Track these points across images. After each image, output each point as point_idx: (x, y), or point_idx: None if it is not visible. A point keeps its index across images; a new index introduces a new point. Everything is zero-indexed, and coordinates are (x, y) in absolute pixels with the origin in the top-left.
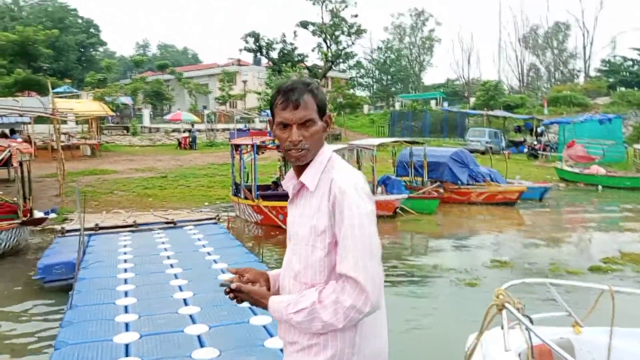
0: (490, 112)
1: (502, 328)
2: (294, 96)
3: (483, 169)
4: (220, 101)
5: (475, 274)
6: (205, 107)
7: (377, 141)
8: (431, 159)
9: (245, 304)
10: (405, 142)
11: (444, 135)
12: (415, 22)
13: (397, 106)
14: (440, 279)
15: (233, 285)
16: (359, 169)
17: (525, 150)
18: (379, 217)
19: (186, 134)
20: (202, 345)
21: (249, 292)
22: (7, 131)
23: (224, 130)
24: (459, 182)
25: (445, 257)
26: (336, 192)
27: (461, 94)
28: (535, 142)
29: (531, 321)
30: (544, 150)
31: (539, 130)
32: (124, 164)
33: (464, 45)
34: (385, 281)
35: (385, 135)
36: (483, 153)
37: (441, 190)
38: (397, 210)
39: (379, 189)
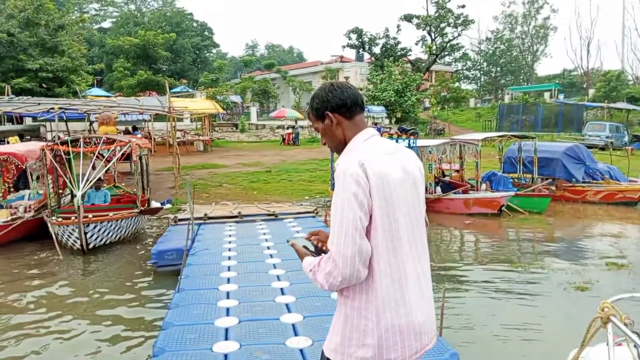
0: (612, 105)
1: (607, 344)
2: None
3: (601, 166)
4: None
5: (588, 276)
6: (307, 104)
7: (481, 135)
8: (542, 154)
9: None
10: (513, 136)
11: (558, 130)
12: (529, 10)
13: (507, 99)
14: (547, 280)
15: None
16: (462, 164)
17: None
18: (482, 214)
19: (290, 130)
20: (296, 334)
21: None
22: (130, 128)
23: None
24: (574, 179)
25: (555, 258)
26: (335, 175)
27: (579, 85)
28: None
29: None
30: None
31: None
32: (233, 159)
33: (582, 32)
34: (486, 281)
35: (492, 129)
36: (602, 149)
37: (553, 188)
38: (503, 208)
39: (484, 185)
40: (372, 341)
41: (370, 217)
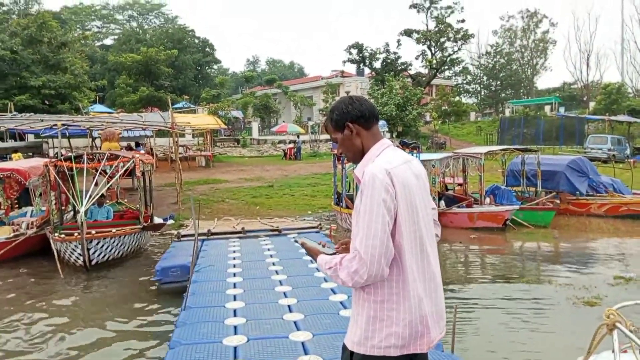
0: (613, 117)
1: (613, 351)
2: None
3: (605, 179)
4: (324, 112)
5: (596, 292)
6: (309, 119)
7: (484, 149)
8: (545, 167)
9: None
10: (516, 149)
11: (560, 143)
12: (528, 24)
13: (507, 112)
14: (555, 295)
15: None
16: (465, 178)
17: None
18: (486, 229)
19: (291, 145)
20: (306, 353)
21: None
22: (132, 144)
23: (327, 140)
24: (578, 192)
25: (562, 273)
26: (363, 182)
27: (579, 98)
28: None
29: None
30: None
31: None
32: (235, 174)
33: (582, 46)
34: (491, 294)
35: (494, 143)
36: (605, 162)
37: (557, 201)
38: (508, 222)
39: (487, 199)
40: (397, 331)
41: (395, 220)
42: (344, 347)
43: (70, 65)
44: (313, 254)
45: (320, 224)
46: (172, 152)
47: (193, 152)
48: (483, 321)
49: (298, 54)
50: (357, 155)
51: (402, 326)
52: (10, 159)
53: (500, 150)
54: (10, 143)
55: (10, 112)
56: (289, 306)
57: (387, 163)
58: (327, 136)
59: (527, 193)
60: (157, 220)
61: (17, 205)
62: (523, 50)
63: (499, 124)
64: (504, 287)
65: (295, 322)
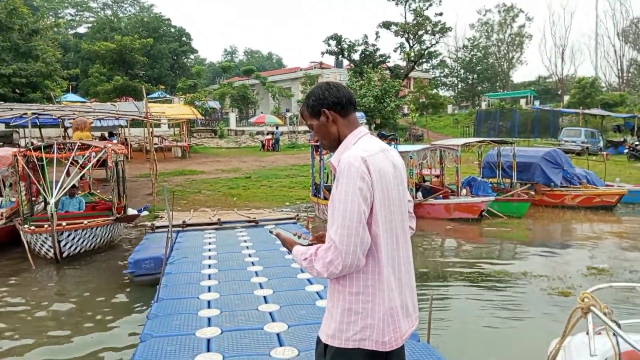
0: (587, 111)
1: (587, 333)
2: (301, 112)
3: (579, 171)
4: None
5: (570, 282)
6: (288, 110)
7: (461, 141)
8: (521, 159)
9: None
10: (493, 141)
11: (535, 136)
12: (504, 18)
13: (484, 105)
14: (529, 286)
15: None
16: (442, 169)
17: (626, 151)
18: (462, 219)
19: (269, 136)
20: (281, 344)
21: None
22: (106, 134)
23: (305, 132)
24: (552, 183)
25: (536, 264)
26: (338, 170)
27: (554, 92)
28: (637, 142)
29: (619, 327)
30: None
31: None
32: (211, 165)
33: (557, 40)
34: (467, 285)
35: (470, 135)
36: (579, 154)
37: (532, 193)
38: (484, 213)
39: (464, 190)
40: (372, 323)
41: (371, 209)
42: (318, 340)
43: (42, 54)
44: (288, 245)
45: (297, 215)
46: (147, 143)
47: (169, 143)
48: (458, 312)
49: (276, 45)
50: (333, 143)
51: (377, 319)
52: None
53: (477, 142)
54: None
55: None
56: (264, 297)
57: (363, 151)
58: (306, 128)
59: (502, 184)
60: (131, 211)
61: None
62: (499, 44)
63: (475, 116)
64: (479, 277)
65: (270, 313)
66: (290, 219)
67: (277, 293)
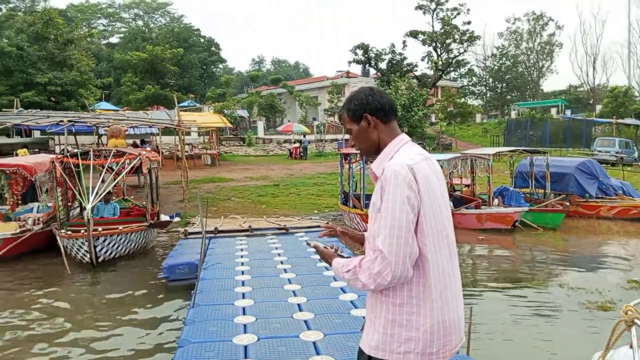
0: (621, 120)
1: (631, 346)
2: (340, 115)
3: (614, 182)
4: (329, 112)
5: (609, 295)
6: (314, 119)
7: (493, 150)
8: (554, 169)
9: None
10: (525, 151)
11: (567, 146)
12: (533, 26)
13: (513, 115)
14: (567, 299)
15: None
16: (473, 179)
17: None
18: (495, 230)
19: (297, 145)
20: (317, 353)
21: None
22: (138, 141)
23: (332, 140)
24: (587, 194)
25: (573, 276)
26: (383, 178)
27: (585, 101)
28: None
29: None
30: None
31: None
32: (240, 173)
33: (588, 49)
34: (502, 296)
35: (500, 145)
36: (613, 164)
37: (567, 203)
38: (517, 223)
39: (496, 200)
40: (416, 336)
41: (417, 218)
42: (360, 351)
43: (76, 63)
44: (326, 257)
45: (328, 223)
46: (178, 150)
47: (199, 151)
48: (494, 324)
49: (303, 55)
50: (371, 149)
51: (422, 331)
52: (17, 154)
53: (509, 151)
54: (17, 139)
55: (17, 108)
56: (298, 305)
57: (408, 159)
58: (333, 136)
59: (535, 195)
60: (164, 217)
61: (22, 201)
62: (529, 52)
63: (505, 125)
64: (514, 290)
65: (305, 322)
66: (319, 226)
67: (311, 301)
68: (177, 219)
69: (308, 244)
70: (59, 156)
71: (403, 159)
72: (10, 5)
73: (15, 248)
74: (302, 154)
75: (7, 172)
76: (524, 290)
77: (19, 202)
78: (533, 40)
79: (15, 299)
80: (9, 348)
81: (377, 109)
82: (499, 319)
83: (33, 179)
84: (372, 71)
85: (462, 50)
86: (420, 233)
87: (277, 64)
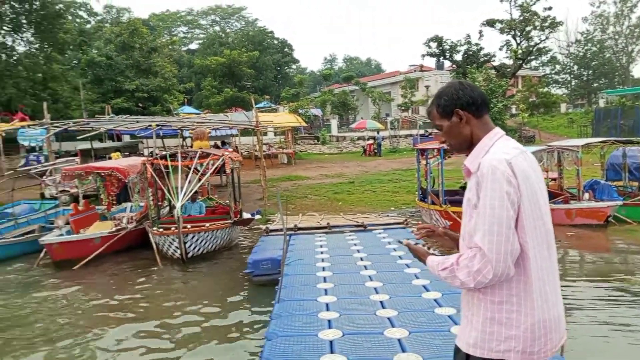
0: None
1: None
2: (428, 111)
3: None
4: (403, 108)
5: None
6: (388, 115)
7: (581, 141)
8: None
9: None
10: (616, 141)
11: None
12: (621, 9)
13: (602, 103)
14: None
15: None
16: (560, 172)
17: None
18: (585, 225)
19: (371, 141)
20: (403, 350)
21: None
22: (219, 143)
23: (406, 136)
24: None
25: None
26: (480, 174)
27: None
28: None
29: None
30: None
31: None
32: (315, 171)
33: None
34: (595, 296)
35: (588, 135)
36: None
37: None
38: (610, 218)
39: (586, 194)
40: (517, 334)
41: (517, 214)
42: (457, 349)
43: (160, 69)
44: (420, 255)
45: (406, 220)
46: (255, 150)
47: (275, 150)
48: (587, 325)
49: (375, 51)
50: (464, 145)
51: (523, 329)
52: (110, 158)
53: (599, 142)
54: (109, 143)
55: (108, 114)
56: (381, 302)
57: (505, 154)
58: (407, 132)
59: (629, 188)
60: (246, 215)
61: (115, 202)
62: (616, 37)
63: (593, 115)
64: (607, 288)
65: (389, 319)
66: (399, 223)
67: (393, 299)
68: (257, 217)
69: (400, 242)
70: (149, 158)
71: (500, 154)
72: (98, 18)
73: (112, 245)
74: (376, 151)
75: (103, 174)
76: (618, 288)
77: (114, 202)
78: (621, 23)
79: (109, 292)
80: (104, 340)
81: (468, 103)
82: (591, 318)
83: (126, 181)
84: (447, 63)
85: (543, 37)
86: (521, 229)
87: (349, 62)
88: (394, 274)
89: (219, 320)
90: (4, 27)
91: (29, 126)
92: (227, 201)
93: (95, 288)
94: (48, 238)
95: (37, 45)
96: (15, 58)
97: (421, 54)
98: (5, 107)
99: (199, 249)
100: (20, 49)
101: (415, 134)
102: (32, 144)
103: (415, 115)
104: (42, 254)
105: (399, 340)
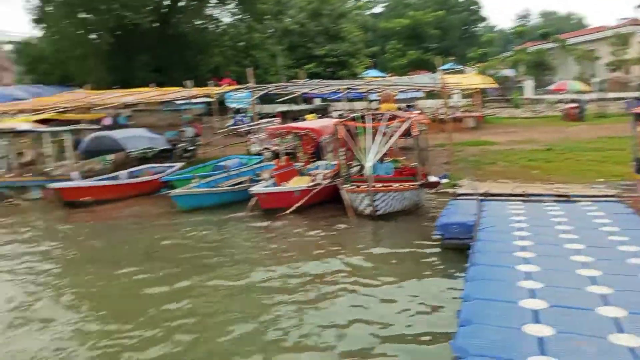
0: None
1: None
2: None
3: None
4: (612, 67)
5: None
6: (593, 75)
7: None
8: None
9: None
10: None
11: None
12: None
13: None
14: None
15: None
16: None
17: None
18: None
19: (573, 105)
20: (620, 331)
21: None
22: (403, 106)
23: (616, 99)
24: None
25: None
26: None
27: None
28: None
29: None
30: None
31: None
32: (504, 136)
33: None
34: None
35: None
36: None
37: None
38: None
39: None
40: None
41: None
42: None
43: (347, 34)
44: None
45: (620, 193)
46: (440, 114)
47: (461, 114)
48: None
49: (576, 4)
50: None
51: None
52: (304, 119)
53: None
54: (303, 106)
55: (303, 78)
56: (589, 278)
57: None
58: (617, 94)
59: None
60: (432, 178)
61: (313, 159)
62: None
63: None
64: None
65: (601, 296)
66: (610, 196)
67: (606, 275)
68: (444, 181)
69: None
70: (342, 120)
71: None
72: None
73: (310, 199)
74: (578, 115)
75: (300, 134)
76: None
77: (311, 159)
78: None
79: (307, 243)
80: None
81: None
82: None
83: (320, 140)
84: None
85: None
86: None
87: (545, 17)
88: (604, 250)
89: (409, 280)
90: (211, 0)
91: (236, 90)
92: (414, 163)
93: (300, 226)
94: (257, 188)
95: (239, 16)
96: (221, 29)
97: (636, 5)
98: (214, 73)
99: (387, 208)
100: (226, 19)
101: (629, 97)
102: (238, 106)
103: (628, 75)
104: (252, 202)
105: (615, 319)
